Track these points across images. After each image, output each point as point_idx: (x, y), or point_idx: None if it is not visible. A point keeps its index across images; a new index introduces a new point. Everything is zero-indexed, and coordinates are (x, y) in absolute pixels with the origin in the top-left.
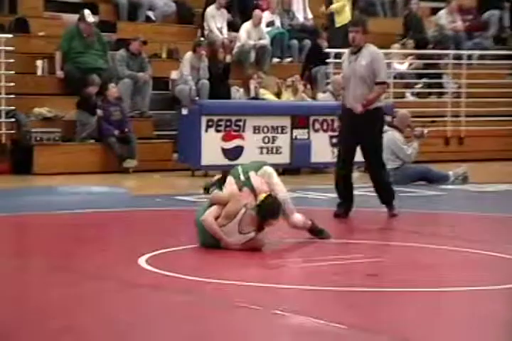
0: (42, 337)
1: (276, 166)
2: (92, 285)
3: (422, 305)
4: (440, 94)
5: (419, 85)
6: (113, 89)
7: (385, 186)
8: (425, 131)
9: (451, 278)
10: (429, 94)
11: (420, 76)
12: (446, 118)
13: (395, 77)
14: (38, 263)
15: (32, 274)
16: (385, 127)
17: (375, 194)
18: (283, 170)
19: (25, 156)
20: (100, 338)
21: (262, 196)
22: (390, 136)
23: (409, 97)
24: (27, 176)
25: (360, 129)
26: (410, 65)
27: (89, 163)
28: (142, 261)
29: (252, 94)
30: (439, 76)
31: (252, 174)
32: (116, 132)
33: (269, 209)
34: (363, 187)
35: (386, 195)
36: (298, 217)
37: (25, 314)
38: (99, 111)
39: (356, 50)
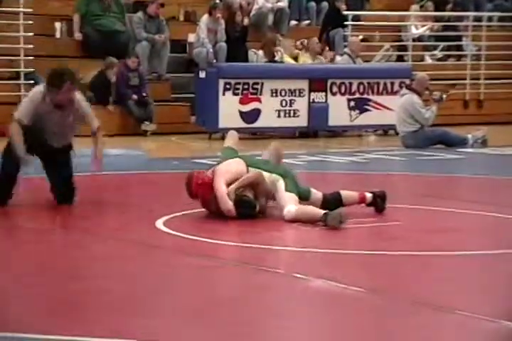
0: (61, 297)
1: (293, 129)
2: (110, 247)
3: (444, 269)
4: (459, 57)
5: (439, 48)
6: (133, 60)
7: None
8: (444, 95)
9: (474, 241)
10: (448, 57)
11: (439, 39)
12: (465, 81)
13: (413, 40)
14: (55, 224)
15: (49, 236)
16: (403, 90)
17: (389, 157)
18: (300, 134)
19: None
20: (124, 299)
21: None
22: (408, 99)
23: (428, 60)
24: None
25: None
26: (429, 27)
27: (108, 126)
28: (160, 223)
29: (278, 58)
30: (459, 38)
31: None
32: (134, 96)
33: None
34: (380, 151)
35: None
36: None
37: (44, 274)
38: (113, 77)
39: None
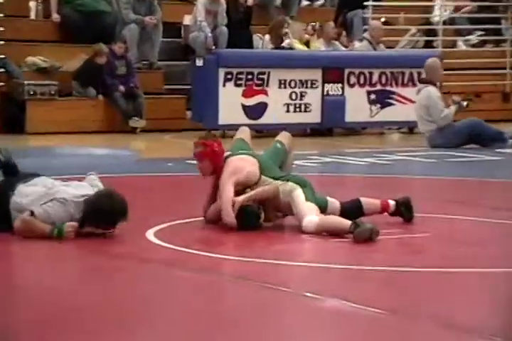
0: (48, 317)
1: (304, 126)
2: (97, 260)
3: (473, 287)
4: (498, 43)
5: (474, 33)
6: (119, 45)
7: None
8: (464, 102)
9: (509, 257)
10: (485, 42)
11: (474, 21)
12: (504, 71)
13: (444, 23)
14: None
15: (33, 249)
16: (418, 85)
17: (415, 159)
18: (312, 131)
19: (17, 113)
20: (112, 318)
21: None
22: (424, 93)
23: (462, 46)
24: (19, 136)
25: None
26: (463, 8)
27: (91, 122)
28: (150, 234)
29: (285, 43)
30: (497, 21)
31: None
32: (121, 88)
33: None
34: (404, 151)
35: None
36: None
37: (29, 290)
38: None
39: None
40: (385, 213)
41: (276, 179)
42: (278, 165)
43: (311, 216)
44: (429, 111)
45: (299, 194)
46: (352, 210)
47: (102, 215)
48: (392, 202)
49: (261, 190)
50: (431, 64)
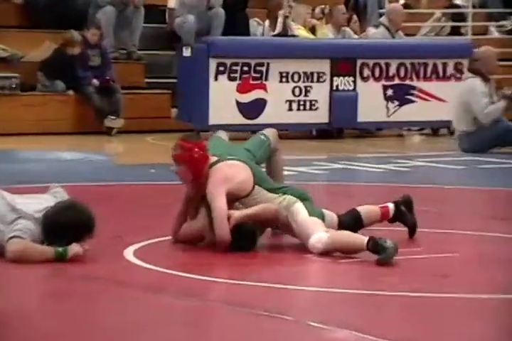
0: None
1: (309, 127)
2: (70, 283)
3: (501, 315)
4: None
5: (509, 17)
6: (93, 31)
7: None
8: None
9: None
10: None
11: (509, 4)
12: None
13: (473, 6)
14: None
15: None
16: (464, 74)
17: (440, 165)
18: (319, 133)
19: None
20: None
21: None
22: (467, 85)
23: (494, 33)
24: None
25: None
26: None
27: (59, 121)
28: (129, 253)
29: (279, 28)
30: None
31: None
32: (95, 81)
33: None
34: (427, 156)
35: None
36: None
37: None
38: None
39: None
40: (385, 220)
41: (272, 191)
42: (262, 158)
43: (318, 233)
44: (470, 108)
45: (299, 208)
46: (351, 223)
47: (62, 230)
48: (391, 205)
49: (261, 210)
50: (484, 53)
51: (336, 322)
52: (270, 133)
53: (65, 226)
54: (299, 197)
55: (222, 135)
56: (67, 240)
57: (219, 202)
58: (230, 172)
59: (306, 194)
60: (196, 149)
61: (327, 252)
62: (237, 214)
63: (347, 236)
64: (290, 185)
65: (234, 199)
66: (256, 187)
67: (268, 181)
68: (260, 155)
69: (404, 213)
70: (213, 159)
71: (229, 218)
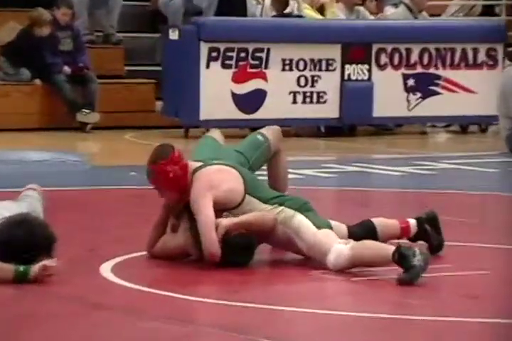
0: None
1: (317, 123)
2: (38, 306)
3: None
4: None
5: None
6: (64, 11)
7: None
8: None
9: None
10: None
11: None
12: None
13: None
14: None
15: None
16: (507, 61)
17: (470, 168)
18: (328, 130)
19: None
20: None
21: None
22: (506, 75)
23: None
24: None
25: None
26: None
27: (25, 115)
28: (106, 269)
29: (293, 10)
30: None
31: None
32: (66, 69)
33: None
34: (455, 157)
35: None
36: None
37: None
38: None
39: None
40: (405, 238)
41: (266, 202)
42: (258, 163)
43: (336, 246)
44: (508, 101)
45: (301, 222)
46: (361, 235)
47: (10, 251)
48: (412, 221)
49: (255, 219)
50: None
51: None
52: (270, 132)
53: (12, 246)
54: (300, 208)
55: (216, 135)
56: (22, 261)
57: (205, 210)
58: (216, 179)
59: (307, 204)
60: (169, 168)
61: (351, 267)
62: (226, 222)
63: (370, 246)
64: (288, 195)
65: (221, 211)
66: (247, 196)
67: (262, 190)
68: (256, 158)
69: (428, 232)
70: (196, 164)
71: (216, 228)
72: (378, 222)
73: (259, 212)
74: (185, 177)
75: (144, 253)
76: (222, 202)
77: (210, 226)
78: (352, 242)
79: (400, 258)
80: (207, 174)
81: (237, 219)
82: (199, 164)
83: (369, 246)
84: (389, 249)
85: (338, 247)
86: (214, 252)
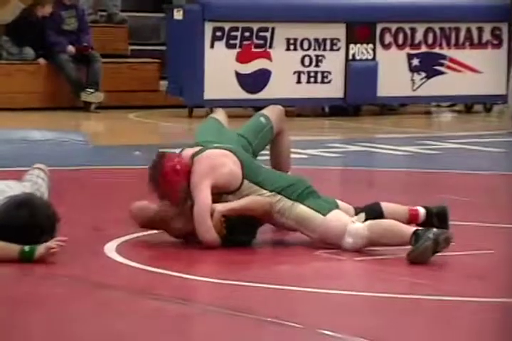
0: None
1: (321, 103)
2: (42, 286)
3: None
4: None
5: None
6: None
7: None
8: None
9: None
10: None
11: None
12: None
13: None
14: None
15: None
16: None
17: (475, 147)
18: (332, 110)
19: None
20: None
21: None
22: None
23: None
24: None
25: None
26: None
27: (28, 94)
28: (111, 249)
29: None
30: None
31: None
32: (70, 48)
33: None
34: (459, 137)
35: None
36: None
37: None
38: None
39: None
40: (413, 224)
41: (263, 187)
42: (261, 146)
43: (352, 226)
44: None
45: (303, 213)
46: (369, 218)
47: (10, 232)
48: (422, 210)
49: (249, 204)
50: None
51: (349, 330)
52: (273, 112)
53: (14, 227)
54: (299, 197)
55: (220, 116)
56: (25, 241)
57: (201, 196)
58: (217, 162)
59: (308, 189)
60: (168, 178)
61: (368, 245)
62: (220, 207)
63: (389, 226)
64: (288, 176)
65: (219, 194)
66: (245, 182)
67: (260, 174)
68: (258, 142)
69: (435, 226)
70: (195, 149)
71: (212, 213)
72: (386, 206)
73: (254, 196)
74: (185, 176)
75: (149, 232)
76: (220, 186)
77: (205, 212)
78: (370, 221)
79: (417, 238)
80: (206, 158)
81: (232, 204)
82: (198, 148)
83: (387, 226)
84: (407, 231)
85: (353, 227)
86: (209, 239)
